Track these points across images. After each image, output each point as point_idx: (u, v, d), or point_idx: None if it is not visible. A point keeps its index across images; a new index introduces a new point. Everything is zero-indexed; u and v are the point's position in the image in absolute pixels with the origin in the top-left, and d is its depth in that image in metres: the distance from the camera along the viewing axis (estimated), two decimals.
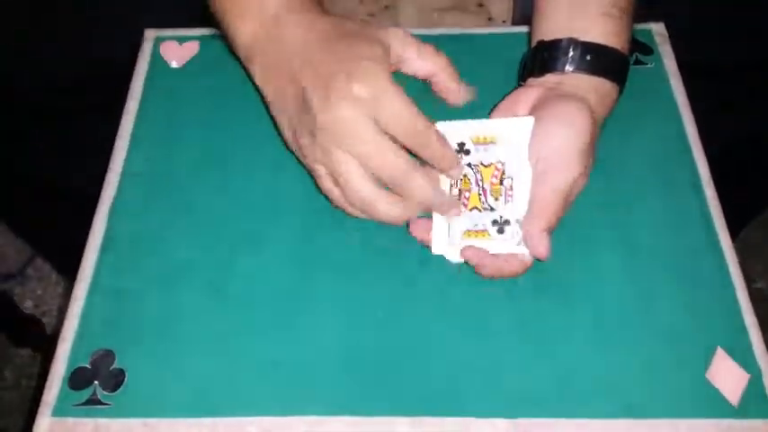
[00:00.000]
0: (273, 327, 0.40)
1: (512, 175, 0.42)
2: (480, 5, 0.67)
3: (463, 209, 0.42)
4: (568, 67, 0.43)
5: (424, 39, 0.53)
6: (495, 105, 0.45)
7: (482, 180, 0.42)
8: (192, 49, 0.54)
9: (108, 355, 0.40)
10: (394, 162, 0.39)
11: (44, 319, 1.11)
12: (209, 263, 0.43)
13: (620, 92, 0.45)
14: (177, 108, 0.50)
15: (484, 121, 0.43)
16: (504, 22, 0.68)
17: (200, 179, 0.47)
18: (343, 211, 0.43)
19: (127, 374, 0.39)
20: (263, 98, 0.44)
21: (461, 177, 0.43)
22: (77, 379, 0.39)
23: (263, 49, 0.43)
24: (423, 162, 0.41)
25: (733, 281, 0.41)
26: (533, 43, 0.46)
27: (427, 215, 0.43)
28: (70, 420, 0.38)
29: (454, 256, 0.42)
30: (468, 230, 0.42)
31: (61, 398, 0.38)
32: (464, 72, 0.52)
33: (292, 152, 0.44)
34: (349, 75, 0.38)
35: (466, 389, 0.38)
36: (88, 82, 0.59)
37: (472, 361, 0.39)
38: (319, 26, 0.42)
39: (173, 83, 0.52)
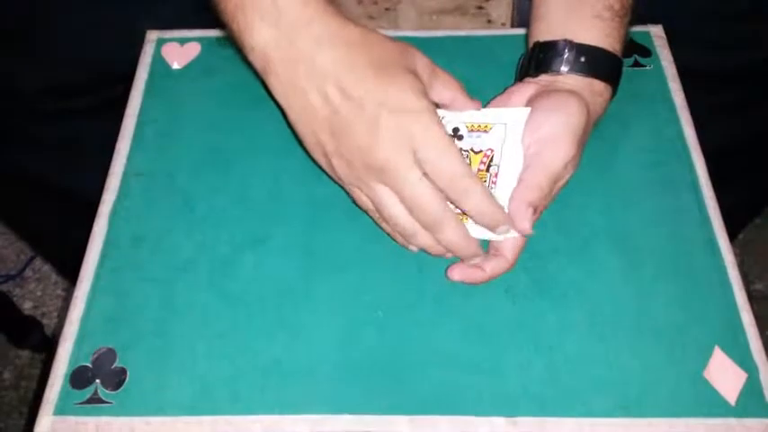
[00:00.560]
0: (275, 326, 0.41)
1: (499, 163, 0.42)
2: (480, 8, 0.68)
3: None
4: (563, 68, 0.44)
5: (424, 41, 0.54)
6: (490, 100, 0.46)
7: (470, 165, 0.42)
8: (193, 50, 0.54)
9: (109, 353, 0.40)
10: (428, 208, 0.38)
11: (44, 321, 1.11)
12: (210, 262, 0.43)
13: (614, 93, 0.46)
14: (179, 109, 0.51)
15: (483, 110, 0.44)
16: (503, 24, 0.68)
17: (201, 179, 0.47)
18: (376, 223, 0.43)
19: (128, 373, 0.39)
20: (281, 110, 0.42)
21: None
22: (79, 378, 0.39)
23: (284, 58, 0.40)
24: None
25: (731, 280, 0.42)
26: (530, 45, 0.47)
27: None
28: (72, 419, 0.38)
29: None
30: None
31: (63, 396, 0.38)
32: (463, 74, 0.52)
33: (318, 165, 0.43)
34: (399, 112, 0.37)
35: (465, 388, 0.38)
36: (90, 83, 0.59)
37: (471, 360, 0.39)
38: (348, 40, 0.39)
39: (174, 84, 0.52)
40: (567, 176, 0.42)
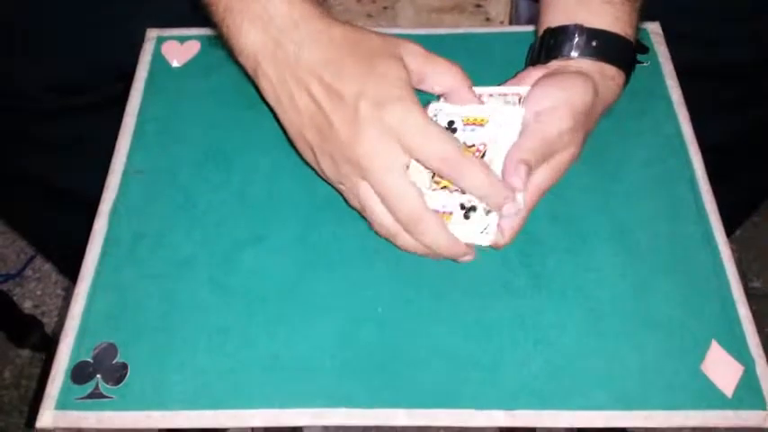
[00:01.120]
0: (274, 321, 0.41)
1: (491, 159, 0.41)
2: (478, 6, 0.68)
3: (435, 186, 0.41)
4: (574, 53, 0.44)
5: (423, 39, 0.54)
6: (501, 84, 0.46)
7: None
8: (193, 48, 0.54)
9: (110, 348, 0.40)
10: (403, 205, 0.38)
11: (44, 320, 1.11)
12: (210, 259, 0.43)
13: (627, 79, 0.45)
14: (178, 107, 0.51)
15: (480, 105, 0.43)
16: (501, 22, 0.69)
17: (201, 177, 0.47)
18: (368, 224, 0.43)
19: (129, 368, 0.39)
20: (272, 112, 0.42)
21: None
22: (80, 373, 0.39)
23: (272, 60, 0.40)
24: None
25: (727, 274, 0.42)
26: (540, 32, 0.47)
27: None
28: (73, 413, 0.38)
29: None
30: (435, 211, 0.40)
31: (64, 391, 0.39)
32: None
33: (310, 166, 0.43)
34: (376, 103, 0.37)
35: (464, 381, 0.39)
36: (89, 81, 0.59)
37: (470, 353, 0.39)
38: (334, 39, 0.40)
39: (174, 82, 0.52)
40: (566, 154, 0.41)
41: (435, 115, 0.42)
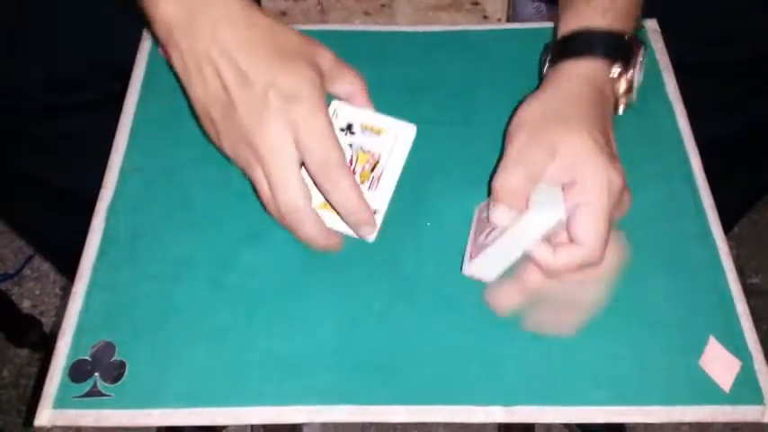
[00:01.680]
0: (272, 318, 0.41)
1: (384, 167, 0.42)
2: (475, 3, 0.68)
3: None
4: (548, 62, 0.45)
5: (420, 36, 0.54)
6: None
7: (356, 162, 0.43)
8: None
9: (108, 347, 0.40)
10: (285, 196, 0.38)
11: (42, 319, 1.11)
12: (208, 256, 0.43)
13: (625, 68, 0.45)
14: (176, 105, 0.51)
15: (377, 114, 0.44)
16: (498, 19, 0.68)
17: (198, 175, 0.47)
18: None
19: (127, 366, 0.39)
20: (179, 82, 0.42)
21: None
22: (78, 371, 0.39)
23: (185, 33, 0.40)
24: None
25: (725, 270, 0.42)
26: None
27: None
28: (71, 412, 0.38)
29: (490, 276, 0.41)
30: (325, 202, 0.41)
31: (62, 390, 0.39)
32: (459, 69, 0.52)
33: (211, 140, 0.43)
34: (287, 96, 0.38)
35: (462, 377, 0.39)
36: (88, 80, 0.59)
37: (468, 350, 0.40)
38: (251, 23, 0.40)
39: (172, 80, 0.52)
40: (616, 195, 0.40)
41: (335, 111, 0.43)
